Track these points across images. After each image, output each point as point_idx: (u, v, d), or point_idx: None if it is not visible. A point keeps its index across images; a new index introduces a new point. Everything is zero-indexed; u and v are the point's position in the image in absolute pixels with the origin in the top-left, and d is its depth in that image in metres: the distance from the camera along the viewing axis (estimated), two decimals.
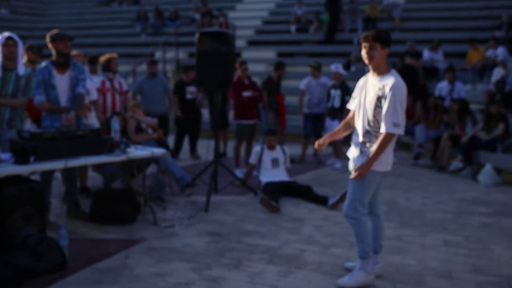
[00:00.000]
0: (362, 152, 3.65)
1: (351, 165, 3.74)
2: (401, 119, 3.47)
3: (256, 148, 6.64)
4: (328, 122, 8.31)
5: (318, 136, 8.54)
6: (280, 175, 6.39)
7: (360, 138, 3.65)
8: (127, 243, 4.47)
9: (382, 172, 3.62)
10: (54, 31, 5.00)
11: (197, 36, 6.08)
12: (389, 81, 3.47)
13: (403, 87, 3.49)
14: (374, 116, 3.53)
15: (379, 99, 3.49)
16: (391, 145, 3.58)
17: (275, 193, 5.81)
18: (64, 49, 4.92)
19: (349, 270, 3.86)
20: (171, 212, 5.41)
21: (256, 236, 4.69)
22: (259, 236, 4.69)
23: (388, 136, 3.46)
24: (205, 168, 6.38)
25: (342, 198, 5.43)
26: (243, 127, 7.39)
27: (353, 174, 3.54)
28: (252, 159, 6.58)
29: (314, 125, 8.46)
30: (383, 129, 3.47)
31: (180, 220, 5.14)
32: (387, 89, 3.45)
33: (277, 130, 7.13)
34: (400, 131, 3.48)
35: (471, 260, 4.17)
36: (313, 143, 8.46)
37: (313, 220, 5.24)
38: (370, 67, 3.59)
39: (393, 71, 3.57)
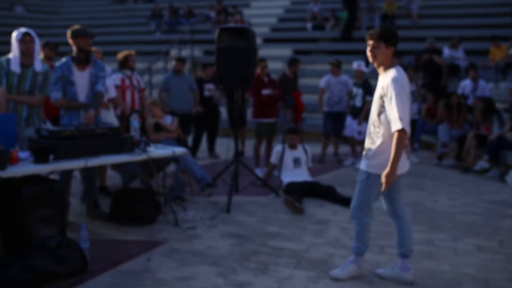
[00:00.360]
0: (366, 154, 3.60)
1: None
2: (406, 113, 3.38)
3: (277, 148, 6.49)
4: (349, 120, 8.13)
5: (338, 135, 8.39)
6: (302, 175, 6.23)
7: (366, 139, 3.63)
8: (149, 244, 4.35)
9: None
10: (75, 27, 4.89)
11: (216, 32, 5.94)
12: (389, 77, 3.43)
13: (402, 80, 3.43)
14: (378, 116, 3.50)
15: (381, 97, 3.46)
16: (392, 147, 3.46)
17: (298, 194, 5.65)
18: (85, 45, 4.82)
19: (381, 278, 3.70)
20: (192, 213, 5.28)
21: (281, 239, 4.54)
22: (283, 239, 4.54)
23: (400, 133, 3.37)
24: (225, 168, 6.24)
25: None
26: (263, 126, 7.24)
27: (383, 187, 3.46)
28: (273, 159, 6.43)
29: (334, 124, 8.29)
30: (393, 128, 3.39)
31: (201, 221, 5.01)
32: (386, 86, 3.42)
33: (299, 129, 6.96)
34: (405, 125, 3.36)
35: (509, 266, 3.99)
36: (333, 142, 8.42)
37: (338, 222, 5.07)
38: (374, 65, 3.55)
39: (397, 67, 3.51)
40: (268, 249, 4.27)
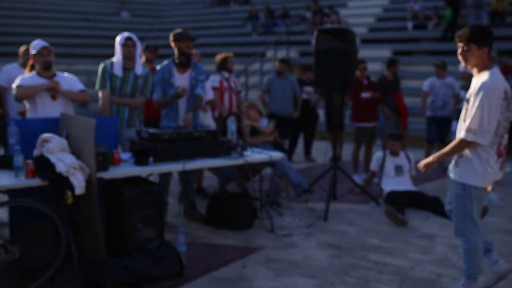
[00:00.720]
0: (455, 163, 3.31)
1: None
2: (484, 125, 3.05)
3: (378, 154, 6.17)
4: (454, 126, 7.57)
5: (443, 141, 7.85)
6: (404, 183, 5.86)
7: None
8: (244, 251, 4.26)
9: (481, 187, 3.22)
10: (177, 31, 4.95)
11: (315, 34, 5.75)
12: (480, 81, 3.10)
13: (493, 87, 3.06)
14: (464, 121, 3.19)
15: (467, 101, 3.16)
16: (488, 158, 3.15)
17: (400, 204, 5.30)
18: (186, 49, 4.86)
19: None
20: (288, 219, 5.13)
21: (383, 253, 4.25)
22: (386, 253, 4.24)
23: (461, 142, 3.12)
24: (323, 173, 6.02)
25: (483, 212, 4.78)
26: (362, 130, 6.95)
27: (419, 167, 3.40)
28: (373, 165, 6.12)
29: (439, 129, 7.77)
30: (460, 134, 3.15)
31: (298, 229, 4.84)
32: (474, 90, 3.11)
33: (402, 135, 6.57)
34: (477, 139, 3.07)
35: None
36: (437, 149, 7.89)
37: (446, 238, 4.67)
38: (468, 67, 3.24)
39: (493, 70, 3.15)
40: (369, 264, 4.01)
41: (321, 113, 8.79)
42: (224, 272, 3.83)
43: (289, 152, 7.98)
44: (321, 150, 6.92)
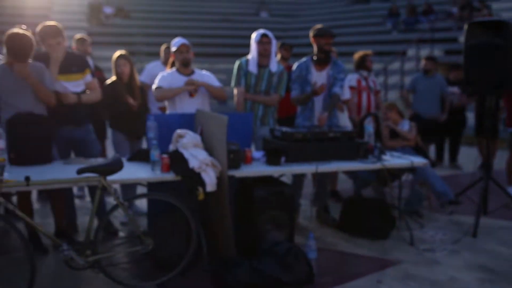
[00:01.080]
0: None
1: None
2: None
3: None
4: None
5: None
6: None
7: None
8: (380, 263, 3.92)
9: None
10: (318, 26, 4.78)
11: (466, 27, 5.17)
12: None
13: None
14: None
15: None
16: None
17: None
18: (325, 45, 4.68)
19: None
20: (430, 232, 4.66)
21: None
22: None
23: None
24: (472, 183, 5.40)
25: None
26: None
27: None
28: None
29: None
30: None
31: (441, 244, 4.36)
32: None
33: None
34: None
35: None
36: None
37: None
38: None
39: None
40: None
41: (470, 116, 8.03)
42: (357, 285, 3.54)
43: (437, 158, 7.37)
44: (469, 157, 6.25)
